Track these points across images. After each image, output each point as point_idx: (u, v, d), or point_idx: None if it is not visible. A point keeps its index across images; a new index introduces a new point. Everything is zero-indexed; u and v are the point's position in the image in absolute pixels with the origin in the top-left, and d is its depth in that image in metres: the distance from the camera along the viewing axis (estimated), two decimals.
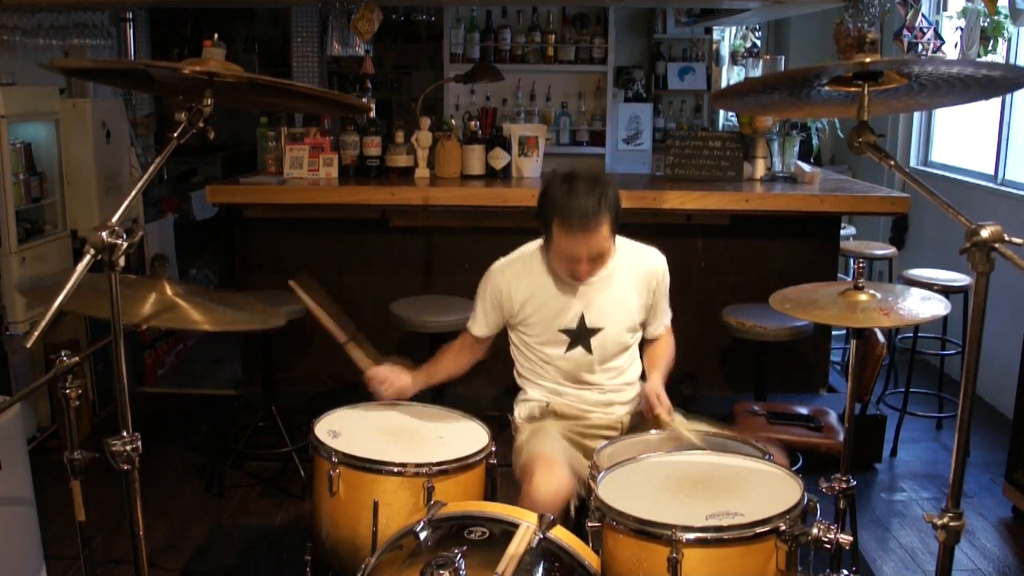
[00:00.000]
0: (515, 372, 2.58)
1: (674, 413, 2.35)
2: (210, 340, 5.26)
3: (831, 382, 4.22)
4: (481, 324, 2.51)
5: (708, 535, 1.64)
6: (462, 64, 6.28)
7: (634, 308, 2.46)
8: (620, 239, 2.44)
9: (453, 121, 4.31)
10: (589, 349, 2.43)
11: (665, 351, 2.55)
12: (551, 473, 2.15)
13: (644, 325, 2.53)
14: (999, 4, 4.07)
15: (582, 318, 2.41)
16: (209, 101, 1.63)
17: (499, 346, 2.66)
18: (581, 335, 2.42)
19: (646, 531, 1.67)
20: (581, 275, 2.34)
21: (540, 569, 1.74)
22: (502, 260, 2.51)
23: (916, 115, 5.52)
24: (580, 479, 2.23)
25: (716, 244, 4.02)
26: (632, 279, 2.45)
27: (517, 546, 1.74)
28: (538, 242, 2.47)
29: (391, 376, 2.43)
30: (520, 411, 2.52)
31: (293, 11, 6.13)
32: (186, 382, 4.79)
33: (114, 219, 1.51)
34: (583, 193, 2.22)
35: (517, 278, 2.45)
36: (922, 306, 2.04)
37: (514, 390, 2.60)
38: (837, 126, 5.01)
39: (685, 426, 2.26)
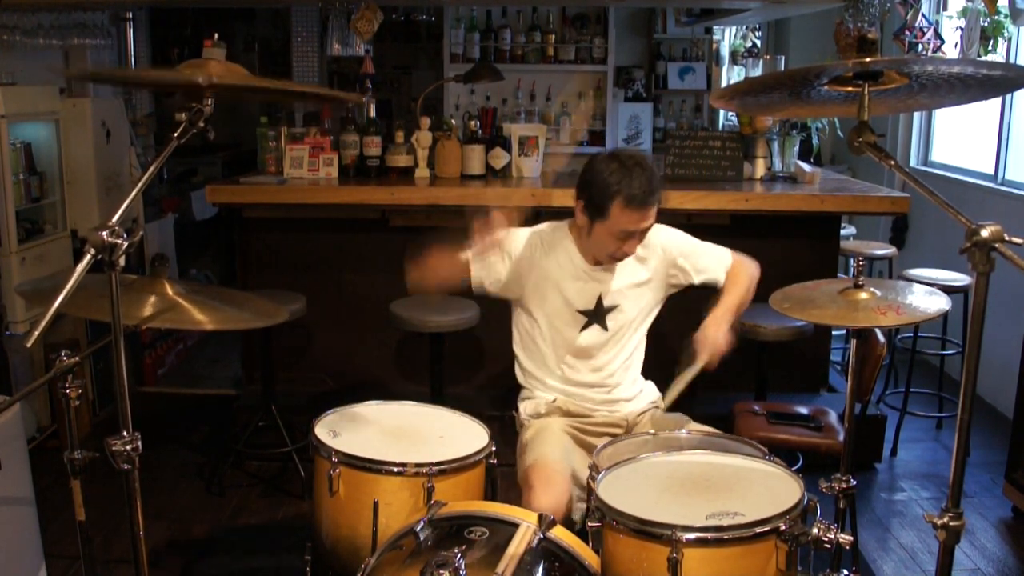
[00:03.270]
0: (519, 372, 2.58)
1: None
2: (210, 340, 5.26)
3: (831, 382, 4.22)
4: (485, 267, 2.44)
5: (708, 535, 1.64)
6: (462, 64, 6.28)
7: (647, 285, 2.49)
8: None
9: (453, 121, 4.30)
10: (605, 327, 2.46)
11: (734, 283, 2.52)
12: (549, 487, 2.16)
13: (688, 286, 2.54)
14: (999, 4, 4.06)
15: (600, 299, 2.45)
16: (209, 101, 1.63)
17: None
18: (598, 313, 2.45)
19: (646, 531, 1.67)
20: (630, 252, 2.38)
21: (540, 569, 1.74)
22: (535, 227, 2.50)
23: (916, 115, 5.52)
24: (581, 487, 2.23)
25: (716, 244, 4.01)
26: (643, 257, 2.48)
27: (517, 546, 1.74)
28: (560, 224, 2.49)
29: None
30: (525, 407, 2.52)
31: (293, 11, 6.13)
32: (186, 382, 4.78)
33: (114, 219, 1.51)
34: (640, 172, 2.27)
35: (547, 250, 2.46)
36: (924, 300, 2.02)
37: (515, 390, 2.60)
38: (837, 126, 5.00)
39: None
